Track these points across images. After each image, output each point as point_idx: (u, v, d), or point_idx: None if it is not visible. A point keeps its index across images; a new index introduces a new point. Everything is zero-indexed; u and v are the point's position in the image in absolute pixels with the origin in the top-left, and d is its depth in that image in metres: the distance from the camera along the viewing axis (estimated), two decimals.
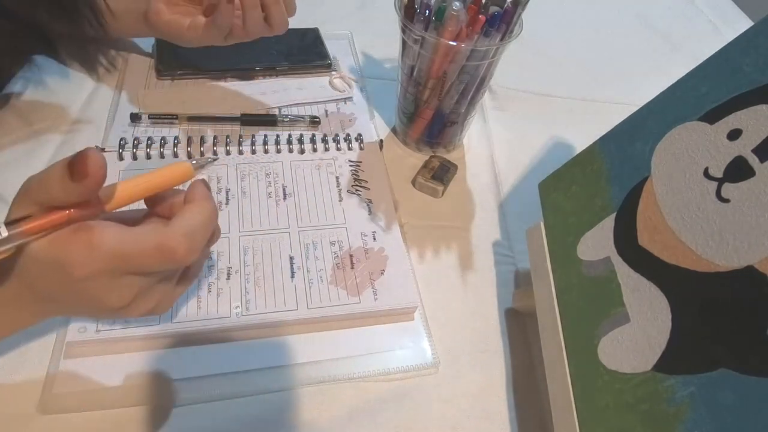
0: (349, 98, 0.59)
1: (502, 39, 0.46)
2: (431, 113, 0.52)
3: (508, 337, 0.43)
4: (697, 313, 0.27)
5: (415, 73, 0.49)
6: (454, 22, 0.44)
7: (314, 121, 0.55)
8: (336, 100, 0.59)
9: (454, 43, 0.44)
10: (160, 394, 0.36)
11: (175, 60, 0.59)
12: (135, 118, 0.52)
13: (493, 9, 0.45)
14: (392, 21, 0.48)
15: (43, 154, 0.49)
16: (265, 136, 0.52)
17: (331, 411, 0.37)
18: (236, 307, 0.40)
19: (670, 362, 0.28)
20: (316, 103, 0.58)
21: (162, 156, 0.49)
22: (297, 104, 0.57)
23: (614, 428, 0.30)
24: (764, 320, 0.24)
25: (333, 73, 0.61)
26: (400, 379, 0.39)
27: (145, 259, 0.26)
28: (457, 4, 0.43)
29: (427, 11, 0.46)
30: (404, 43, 0.49)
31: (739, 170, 0.27)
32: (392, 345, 0.41)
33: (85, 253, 0.24)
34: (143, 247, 0.25)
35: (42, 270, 0.25)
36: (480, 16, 0.44)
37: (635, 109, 0.35)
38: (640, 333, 0.30)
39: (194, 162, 0.29)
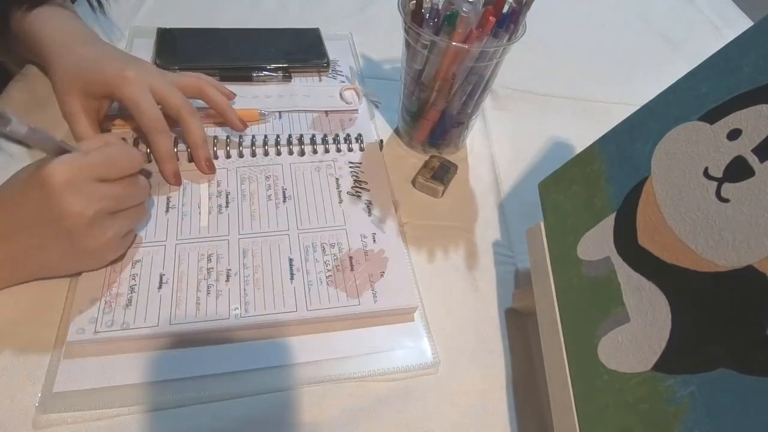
0: (355, 110, 0.58)
1: (508, 39, 0.46)
2: (437, 115, 0.52)
3: (508, 337, 0.43)
4: (697, 313, 0.27)
5: (423, 77, 0.49)
6: (464, 25, 0.44)
7: (286, 76, 0.59)
8: (340, 111, 0.58)
9: (465, 46, 0.44)
10: (160, 394, 0.36)
11: (174, 55, 0.59)
12: None
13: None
14: (393, 22, 0.48)
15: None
16: (265, 136, 0.52)
17: (331, 411, 0.37)
18: (234, 309, 0.40)
19: (670, 362, 0.28)
20: (320, 111, 0.57)
21: None
22: (300, 111, 0.57)
23: (614, 428, 0.30)
24: (764, 320, 0.24)
25: (345, 83, 0.61)
26: (400, 379, 0.39)
27: (101, 166, 0.35)
28: (467, 6, 0.44)
29: (436, 18, 0.45)
30: (410, 47, 0.48)
31: (738, 170, 0.27)
32: (392, 345, 0.41)
33: (60, 167, 0.33)
34: (97, 157, 0.35)
35: (25, 191, 0.34)
36: (491, 18, 0.44)
37: (635, 109, 0.35)
38: (640, 333, 0.30)
39: None
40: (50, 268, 0.39)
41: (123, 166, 0.37)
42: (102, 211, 0.35)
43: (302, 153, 0.52)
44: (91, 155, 0.35)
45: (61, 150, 0.34)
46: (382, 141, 0.55)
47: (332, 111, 0.57)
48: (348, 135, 0.54)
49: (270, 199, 0.48)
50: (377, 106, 0.60)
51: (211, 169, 0.48)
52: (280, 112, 0.56)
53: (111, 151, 0.36)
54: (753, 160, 0.26)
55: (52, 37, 0.47)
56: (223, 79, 0.58)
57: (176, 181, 0.47)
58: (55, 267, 0.38)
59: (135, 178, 0.38)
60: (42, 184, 0.33)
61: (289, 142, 0.52)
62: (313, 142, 0.53)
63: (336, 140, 0.53)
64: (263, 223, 0.46)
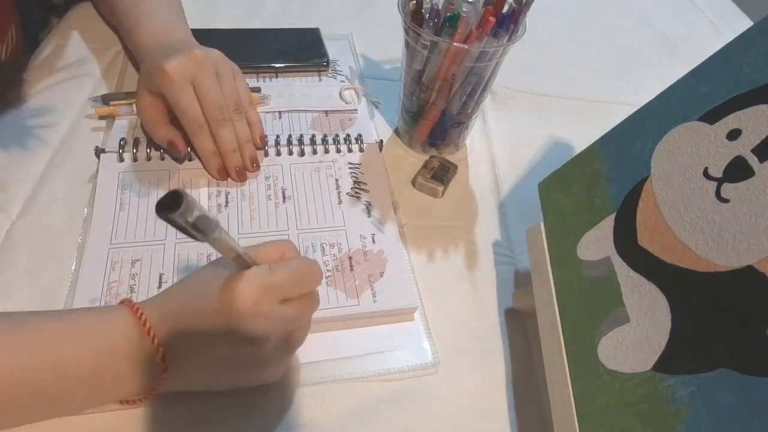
0: (354, 110, 0.58)
1: (509, 39, 0.46)
2: (437, 115, 0.52)
3: (508, 337, 0.43)
4: (696, 313, 0.27)
5: (423, 77, 0.49)
6: (464, 25, 0.44)
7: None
8: (340, 111, 0.57)
9: (465, 46, 0.44)
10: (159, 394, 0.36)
11: None
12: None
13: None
14: (392, 22, 0.48)
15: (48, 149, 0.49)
16: (265, 136, 0.52)
17: (332, 411, 0.37)
18: None
19: (670, 362, 0.28)
20: (320, 111, 0.57)
21: (162, 158, 0.49)
22: (300, 111, 0.57)
23: (614, 428, 0.30)
24: (764, 320, 0.24)
25: (345, 83, 0.60)
26: (400, 379, 0.39)
27: (287, 286, 0.32)
28: (467, 6, 0.43)
29: (437, 18, 0.45)
30: (410, 47, 0.48)
31: (738, 170, 0.27)
32: (392, 345, 0.41)
33: (248, 291, 0.30)
34: (283, 276, 0.31)
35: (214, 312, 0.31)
36: (491, 18, 0.44)
37: (635, 109, 0.35)
38: (640, 333, 0.30)
39: None
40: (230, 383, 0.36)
41: (307, 284, 0.34)
42: (282, 332, 0.33)
43: (302, 153, 0.52)
44: (277, 274, 0.32)
45: (243, 262, 0.31)
46: (381, 141, 0.55)
47: (332, 111, 0.57)
48: (348, 135, 0.54)
49: (270, 199, 0.48)
50: (377, 106, 0.60)
51: (241, 177, 0.48)
52: (280, 112, 0.56)
53: (296, 269, 0.33)
54: (753, 160, 0.26)
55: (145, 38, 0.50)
56: None
57: (221, 176, 0.48)
58: (232, 382, 0.36)
59: (312, 293, 0.35)
60: (230, 311, 0.30)
61: (289, 143, 0.52)
62: (313, 142, 0.53)
63: (336, 141, 0.53)
64: (263, 223, 0.46)
